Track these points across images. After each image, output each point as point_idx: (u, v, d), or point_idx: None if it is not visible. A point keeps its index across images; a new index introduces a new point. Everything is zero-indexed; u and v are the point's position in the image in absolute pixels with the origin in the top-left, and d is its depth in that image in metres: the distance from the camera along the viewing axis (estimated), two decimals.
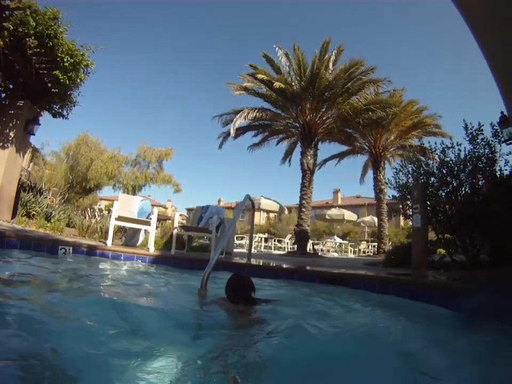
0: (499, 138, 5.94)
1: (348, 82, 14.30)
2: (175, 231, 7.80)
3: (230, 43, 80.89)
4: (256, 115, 14.80)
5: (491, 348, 2.30)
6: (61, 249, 5.76)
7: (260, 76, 14.20)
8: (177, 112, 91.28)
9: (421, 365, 1.97)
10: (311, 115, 14.93)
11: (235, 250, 11.16)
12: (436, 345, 2.31)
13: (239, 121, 14.59)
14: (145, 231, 8.19)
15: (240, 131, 16.63)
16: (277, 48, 14.64)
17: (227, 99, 53.59)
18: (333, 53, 14.42)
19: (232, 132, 14.76)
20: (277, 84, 13.55)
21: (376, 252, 18.55)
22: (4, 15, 7.26)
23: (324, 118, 15.37)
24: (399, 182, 7.28)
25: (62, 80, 8.25)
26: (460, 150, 6.14)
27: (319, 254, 17.18)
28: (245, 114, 14.48)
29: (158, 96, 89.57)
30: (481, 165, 5.84)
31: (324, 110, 15.11)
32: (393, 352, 2.19)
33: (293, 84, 14.68)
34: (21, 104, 8.76)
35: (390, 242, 17.62)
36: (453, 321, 3.10)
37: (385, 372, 1.86)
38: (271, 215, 41.63)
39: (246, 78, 15.12)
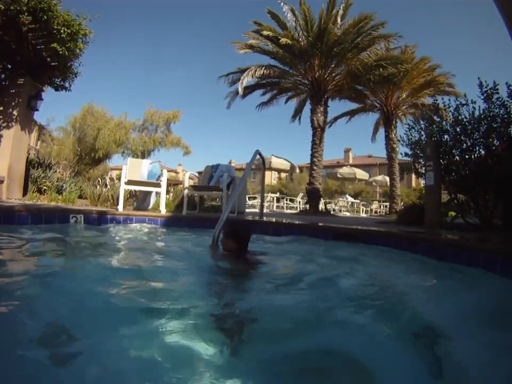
0: None
1: (357, 37, 13.78)
2: (186, 192, 7.80)
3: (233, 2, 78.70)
4: (263, 72, 14.42)
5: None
6: (72, 218, 5.76)
7: (265, 33, 13.72)
8: (183, 74, 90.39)
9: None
10: (320, 71, 14.51)
11: (247, 210, 11.18)
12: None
13: (247, 79, 14.23)
14: (156, 194, 8.19)
15: (248, 90, 16.38)
16: (282, 4, 13.95)
17: (233, 60, 52.41)
18: (341, 7, 13.78)
19: (240, 91, 14.48)
20: (283, 40, 13.13)
21: (388, 212, 18.51)
22: None
23: (333, 75, 14.93)
24: (411, 139, 7.08)
25: (60, 52, 8.06)
26: (474, 108, 5.89)
27: (331, 213, 17.19)
28: (252, 72, 14.11)
29: (162, 59, 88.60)
30: (496, 125, 5.59)
31: (333, 66, 14.63)
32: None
33: (300, 39, 14.17)
34: (22, 82, 8.66)
35: (402, 203, 17.51)
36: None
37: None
38: (283, 175, 41.62)
39: (251, 35, 14.67)
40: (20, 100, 8.62)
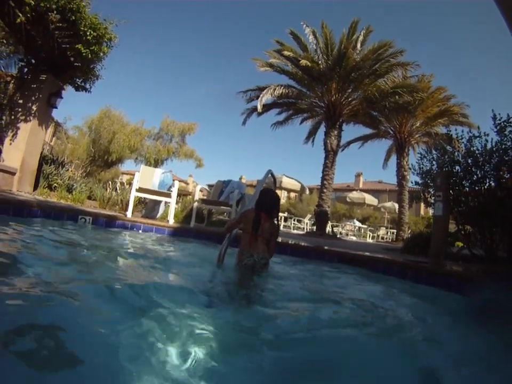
0: None
1: (375, 63, 13.96)
2: (195, 204, 7.87)
3: (256, 21, 79.96)
4: (282, 92, 14.61)
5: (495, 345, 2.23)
6: (81, 219, 5.84)
7: (286, 53, 13.96)
8: (201, 88, 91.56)
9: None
10: (337, 95, 14.65)
11: None
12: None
13: (266, 97, 14.41)
14: (165, 204, 8.25)
15: (265, 108, 16.42)
16: (304, 26, 14.32)
17: (252, 77, 52.93)
18: (361, 33, 14.03)
19: (259, 107, 14.60)
20: (303, 62, 13.34)
21: (394, 239, 18.36)
22: None
23: (350, 99, 15.09)
24: (422, 168, 7.05)
25: (84, 54, 8.24)
26: (487, 141, 5.87)
27: (338, 236, 17.12)
28: (272, 90, 14.30)
29: (184, 72, 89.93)
30: (508, 158, 5.57)
31: (349, 90, 14.80)
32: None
33: (320, 62, 14.41)
34: (44, 78, 8.83)
35: (409, 230, 17.38)
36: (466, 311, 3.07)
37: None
38: (292, 194, 41.48)
39: (272, 54, 14.88)
40: (40, 96, 8.77)
